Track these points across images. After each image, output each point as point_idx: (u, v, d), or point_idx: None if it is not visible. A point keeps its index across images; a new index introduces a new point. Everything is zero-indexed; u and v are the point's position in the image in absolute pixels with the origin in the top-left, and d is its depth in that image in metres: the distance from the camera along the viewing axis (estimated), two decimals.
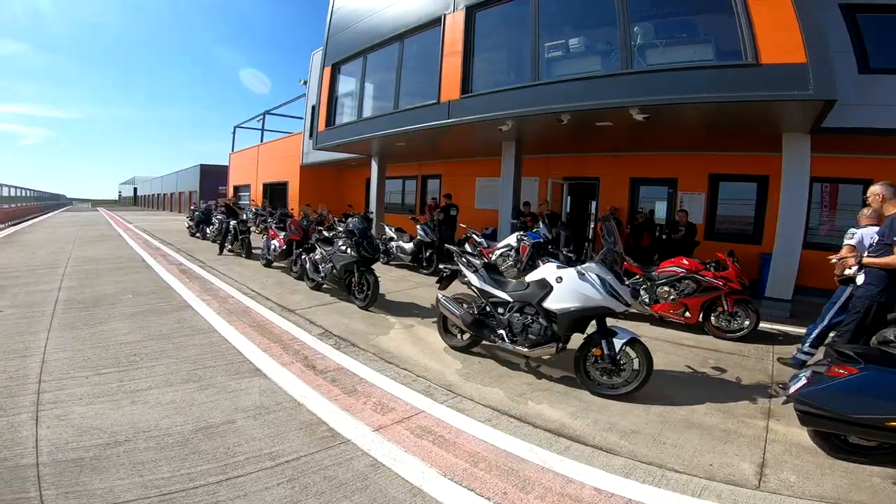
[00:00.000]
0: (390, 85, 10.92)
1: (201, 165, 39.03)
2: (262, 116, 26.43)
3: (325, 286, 7.40)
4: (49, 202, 47.99)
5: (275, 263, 9.51)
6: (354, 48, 11.85)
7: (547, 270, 4.29)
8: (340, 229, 12.57)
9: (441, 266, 5.34)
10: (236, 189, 25.76)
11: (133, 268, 9.19)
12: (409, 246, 9.75)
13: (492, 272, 4.80)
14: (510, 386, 4.07)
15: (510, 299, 4.46)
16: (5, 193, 25.30)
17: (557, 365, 4.56)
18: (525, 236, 8.08)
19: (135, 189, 77.21)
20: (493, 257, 8.43)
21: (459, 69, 8.91)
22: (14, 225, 22.12)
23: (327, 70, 12.98)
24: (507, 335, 4.38)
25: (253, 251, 11.03)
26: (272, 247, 9.16)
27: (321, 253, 7.25)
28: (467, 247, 8.76)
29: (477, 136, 10.38)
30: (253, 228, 14.96)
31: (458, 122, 8.80)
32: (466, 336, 4.90)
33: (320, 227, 9.38)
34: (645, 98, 6.59)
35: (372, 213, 12.34)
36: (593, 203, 12.54)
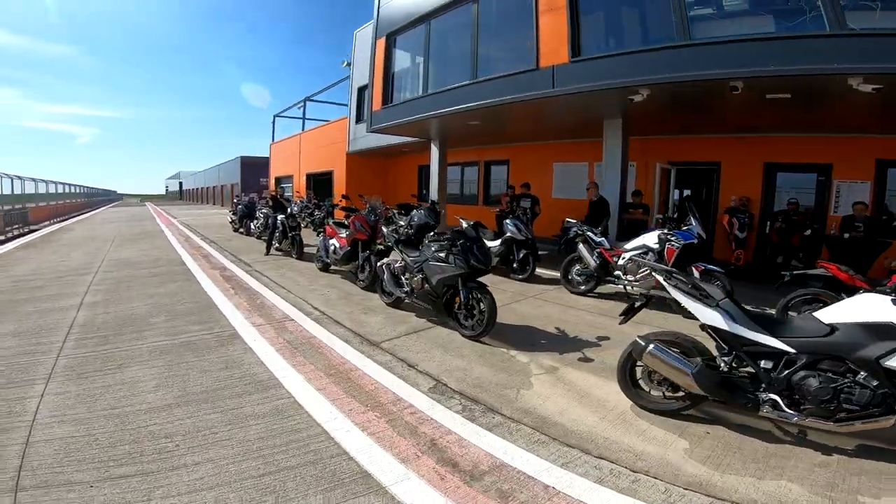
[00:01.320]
0: (460, 55, 9.09)
1: (241, 158, 38.42)
2: (302, 103, 25.15)
3: (407, 301, 5.66)
4: (100, 198, 48.95)
5: (333, 267, 7.90)
6: (414, 14, 10.04)
7: (877, 304, 2.38)
8: (402, 223, 11.08)
9: (631, 290, 3.48)
10: (278, 181, 24.60)
11: (170, 274, 7.79)
12: (495, 245, 7.90)
13: (736, 305, 2.91)
14: (797, 474, 2.28)
15: (790, 349, 2.58)
16: (52, 190, 25.13)
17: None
18: (672, 235, 6.07)
19: (180, 184, 78.82)
20: (621, 262, 6.49)
21: (566, 28, 6.96)
22: (61, 221, 21.74)
23: (380, 43, 11.24)
24: (783, 402, 2.53)
25: (305, 251, 9.50)
26: (331, 247, 7.53)
27: (404, 260, 5.52)
28: (581, 248, 6.84)
29: (577, 111, 8.41)
30: (301, 223, 13.60)
31: (570, 92, 6.86)
32: (673, 393, 3.06)
33: (395, 226, 7.69)
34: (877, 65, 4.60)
35: (438, 203, 10.53)
36: (704, 192, 10.38)
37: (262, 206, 12.79)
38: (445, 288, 4.89)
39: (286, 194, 17.22)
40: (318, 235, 8.29)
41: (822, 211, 8.64)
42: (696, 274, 5.76)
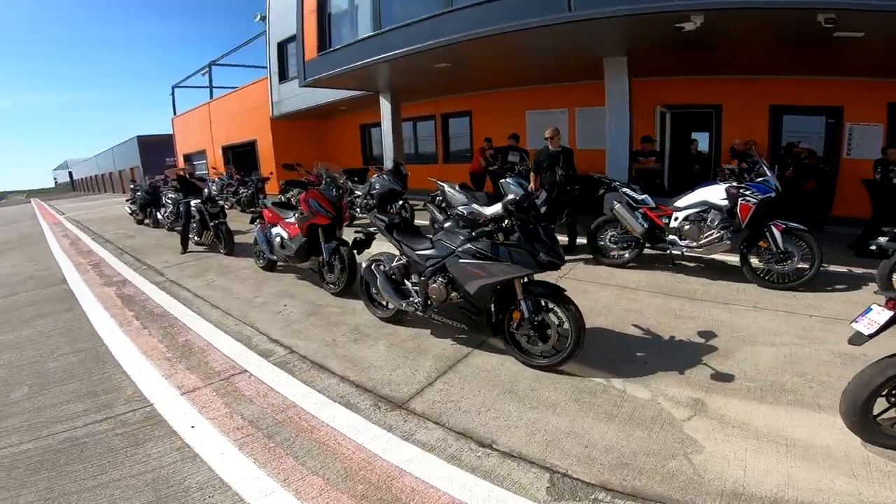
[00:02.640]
0: None
1: (138, 137, 33.12)
2: (206, 69, 21.26)
3: (411, 315, 3.79)
4: None
5: (282, 264, 5.77)
6: None
7: None
8: (358, 193, 8.93)
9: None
10: (188, 158, 20.82)
11: (43, 302, 5.32)
12: (494, 211, 6.21)
13: None
14: None
15: None
16: None
17: None
18: (746, 189, 4.70)
19: (70, 173, 68.36)
20: (673, 223, 5.08)
21: None
22: None
23: None
24: None
25: (237, 241, 7.22)
26: (276, 239, 5.37)
27: (407, 256, 3.65)
28: (620, 209, 5.31)
29: (574, 49, 6.89)
30: (224, 205, 10.94)
31: (595, 16, 5.14)
32: None
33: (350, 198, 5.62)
34: None
35: (403, 164, 8.51)
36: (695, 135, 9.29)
37: (168, 190, 10.01)
38: (493, 295, 3.14)
39: (199, 173, 13.87)
40: (253, 224, 6.10)
41: (835, 155, 8.00)
42: (777, 234, 4.54)
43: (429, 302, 3.42)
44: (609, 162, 7.23)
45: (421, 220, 7.74)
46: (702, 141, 9.60)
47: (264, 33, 14.93)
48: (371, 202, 8.07)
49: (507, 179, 6.23)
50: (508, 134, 8.60)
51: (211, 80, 21.17)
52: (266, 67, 14.70)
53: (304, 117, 14.32)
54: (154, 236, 9.47)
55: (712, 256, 5.30)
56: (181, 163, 20.88)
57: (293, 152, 14.38)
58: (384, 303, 3.96)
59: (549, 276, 3.53)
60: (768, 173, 4.73)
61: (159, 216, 10.26)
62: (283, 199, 10.73)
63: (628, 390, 2.78)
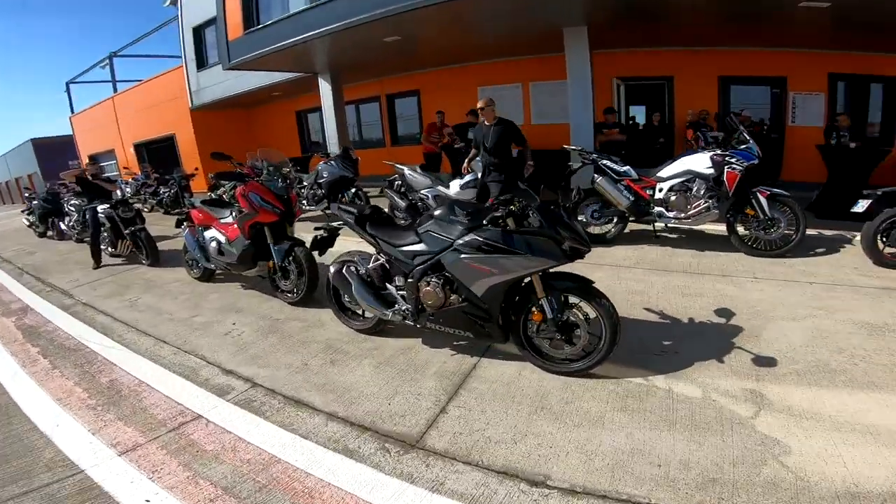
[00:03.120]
0: None
1: (32, 140, 29.23)
2: (106, 62, 18.83)
3: (395, 324, 3.16)
4: None
5: (221, 272, 4.84)
6: None
7: None
8: (305, 183, 7.95)
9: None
10: (94, 159, 18.33)
11: None
12: (466, 192, 5.69)
13: None
14: None
15: None
16: None
17: None
18: (731, 156, 4.50)
19: None
20: (659, 194, 4.82)
21: None
22: None
23: None
24: None
25: (161, 250, 6.15)
26: (212, 243, 4.43)
27: (386, 253, 3.00)
28: (602, 182, 4.96)
29: (531, 19, 6.36)
30: (141, 208, 9.51)
31: None
32: None
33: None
34: None
35: (352, 149, 7.69)
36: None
37: (69, 196, 8.49)
38: (504, 295, 2.59)
39: (105, 174, 11.88)
40: (180, 228, 5.09)
41: (780, 123, 8.39)
42: (764, 200, 4.44)
43: (421, 308, 2.82)
44: (574, 135, 6.94)
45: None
46: (639, 115, 9.71)
47: (176, 19, 13.31)
48: (320, 192, 7.23)
49: (477, 159, 5.69)
50: (466, 111, 8.05)
51: (113, 74, 18.80)
52: (180, 56, 13.10)
53: (230, 106, 12.94)
54: (59, 250, 8.01)
55: (696, 227, 5.12)
56: (85, 163, 18.43)
57: (220, 145, 12.85)
58: (360, 312, 3.32)
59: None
60: (750, 140, 4.57)
61: (63, 226, 8.72)
62: (213, 196, 9.52)
63: (675, 389, 2.39)
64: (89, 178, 6.32)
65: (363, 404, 2.46)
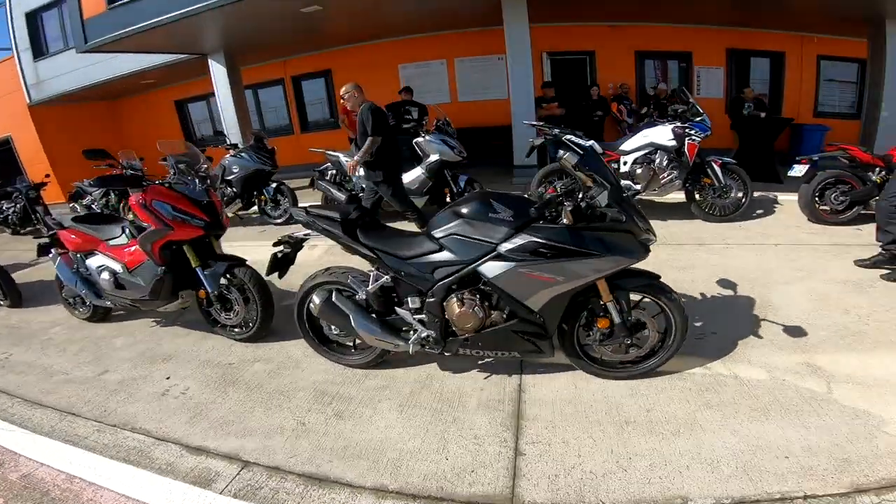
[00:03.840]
0: None
1: None
2: None
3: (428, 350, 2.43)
4: None
5: (118, 309, 3.56)
6: None
7: None
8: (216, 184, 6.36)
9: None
10: None
11: None
12: (417, 174, 5.03)
13: None
14: None
15: None
16: None
17: None
18: (690, 129, 4.48)
19: None
20: (624, 168, 4.67)
21: None
22: None
23: None
24: None
25: (22, 283, 4.56)
26: (104, 275, 3.14)
27: (397, 265, 2.19)
28: (566, 156, 4.58)
29: None
30: None
31: None
32: None
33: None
34: None
35: (265, 136, 6.44)
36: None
37: None
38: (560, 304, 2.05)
39: None
40: (45, 255, 3.67)
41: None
42: (717, 169, 4.61)
43: (452, 332, 2.16)
44: (514, 111, 6.58)
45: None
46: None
47: (2, 5, 10.55)
48: (230, 191, 5.98)
49: (428, 138, 5.01)
50: (388, 90, 7.27)
51: None
52: (10, 48, 10.40)
53: (87, 99, 10.56)
54: None
55: (659, 199, 5.06)
56: None
57: (79, 144, 10.47)
58: (351, 344, 2.55)
59: None
60: (703, 112, 4.64)
61: None
62: (79, 207, 7.58)
63: (740, 374, 2.22)
64: None
65: (414, 466, 1.80)
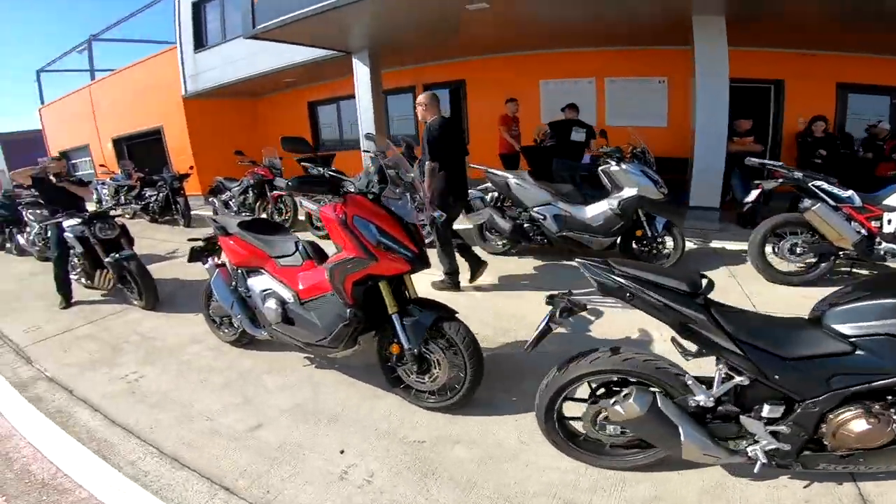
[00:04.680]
0: None
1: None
2: (85, 46, 16.78)
3: None
4: None
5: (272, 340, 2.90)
6: None
7: None
8: (352, 188, 5.81)
9: None
10: (65, 155, 16.08)
11: None
12: (605, 210, 4.12)
13: None
14: None
15: None
16: None
17: None
18: None
19: None
20: (887, 227, 3.56)
21: None
22: None
23: None
24: None
25: (158, 278, 4.34)
26: (272, 305, 2.54)
27: (773, 368, 1.45)
28: (820, 210, 3.47)
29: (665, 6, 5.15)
30: (122, 215, 7.49)
31: None
32: None
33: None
34: None
35: (415, 144, 5.92)
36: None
37: (27, 203, 6.50)
38: None
39: (77, 173, 9.02)
40: (198, 261, 3.26)
41: None
42: None
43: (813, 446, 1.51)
44: (699, 142, 5.51)
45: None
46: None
47: None
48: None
49: (625, 167, 4.12)
50: (529, 105, 6.62)
51: (92, 60, 16.70)
52: (175, 40, 11.12)
53: (231, 95, 11.09)
54: (17, 271, 6.10)
55: None
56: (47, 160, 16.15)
57: (219, 140, 11.12)
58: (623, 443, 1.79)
59: None
60: None
61: (21, 240, 6.78)
62: (217, 202, 7.65)
63: None
64: (51, 178, 4.45)
65: None
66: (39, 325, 3.92)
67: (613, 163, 4.23)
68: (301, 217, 6.45)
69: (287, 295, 2.53)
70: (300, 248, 2.58)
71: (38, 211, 6.01)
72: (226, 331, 3.16)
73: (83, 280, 4.42)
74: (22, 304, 4.59)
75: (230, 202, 7.45)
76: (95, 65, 16.90)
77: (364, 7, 5.23)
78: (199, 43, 10.45)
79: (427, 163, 3.51)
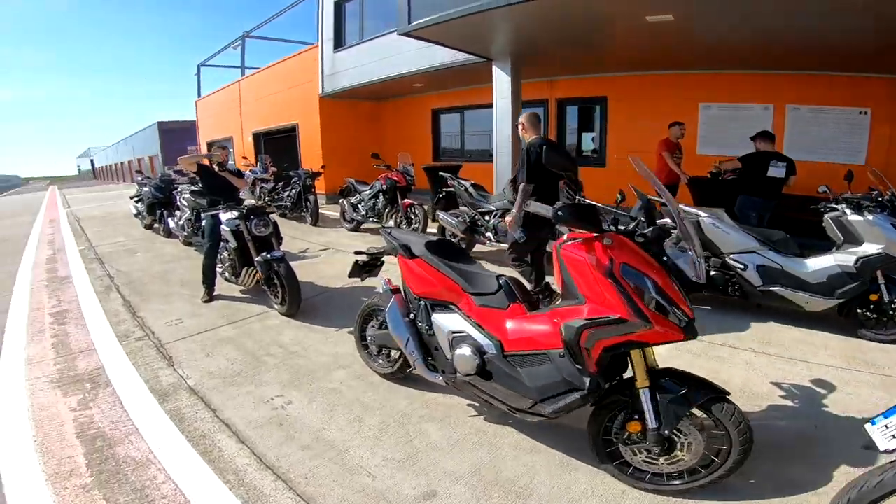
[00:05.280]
0: None
1: (159, 123, 30.78)
2: (239, 42, 18.50)
3: None
4: None
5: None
6: None
7: None
8: (492, 206, 4.77)
9: None
10: (211, 146, 17.93)
11: None
12: (848, 261, 3.14)
13: None
14: None
15: None
16: None
17: None
18: None
19: (91, 161, 67.41)
20: None
21: None
22: None
23: None
24: None
25: (300, 299, 4.06)
26: (469, 353, 2.00)
27: None
28: None
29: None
30: (274, 211, 7.67)
31: None
32: None
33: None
34: None
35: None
36: None
37: (184, 189, 6.93)
38: None
39: (230, 163, 9.80)
40: (359, 277, 2.78)
41: None
42: None
43: None
44: None
45: None
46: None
47: None
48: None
49: (870, 217, 3.12)
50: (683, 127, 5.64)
51: (243, 57, 18.34)
52: (316, 41, 11.61)
53: (360, 97, 11.34)
54: (163, 254, 6.49)
55: None
56: (203, 150, 17.95)
57: (344, 141, 11.44)
58: None
59: None
60: None
61: (171, 223, 7.28)
62: (347, 204, 7.60)
63: None
64: (215, 167, 4.53)
65: None
66: (182, 318, 3.89)
67: (850, 210, 3.25)
68: (432, 229, 6.05)
69: (486, 343, 2.03)
70: (503, 285, 2.06)
71: (189, 197, 6.34)
72: (381, 362, 2.73)
73: (226, 274, 4.40)
74: (167, 290, 4.71)
75: (359, 205, 7.38)
76: (247, 62, 18.64)
77: (523, 9, 4.71)
78: (339, 42, 10.75)
79: (522, 184, 3.37)
